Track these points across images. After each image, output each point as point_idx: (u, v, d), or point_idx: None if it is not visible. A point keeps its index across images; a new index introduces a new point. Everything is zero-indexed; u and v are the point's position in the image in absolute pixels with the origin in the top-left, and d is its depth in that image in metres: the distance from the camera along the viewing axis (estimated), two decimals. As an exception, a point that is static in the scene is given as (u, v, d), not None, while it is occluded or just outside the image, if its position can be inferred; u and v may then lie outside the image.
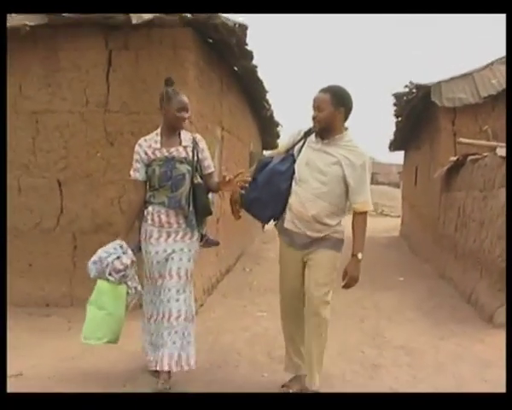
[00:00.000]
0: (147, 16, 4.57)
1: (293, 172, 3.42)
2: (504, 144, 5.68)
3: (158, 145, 3.67)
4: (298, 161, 3.43)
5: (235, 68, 6.79)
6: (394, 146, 14.62)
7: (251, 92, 8.35)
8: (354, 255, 3.31)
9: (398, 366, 3.96)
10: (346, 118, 3.38)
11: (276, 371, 3.75)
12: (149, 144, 3.68)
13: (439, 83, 8.06)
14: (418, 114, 9.42)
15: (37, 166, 5.22)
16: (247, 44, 5.67)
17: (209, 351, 4.14)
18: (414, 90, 8.52)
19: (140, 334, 3.72)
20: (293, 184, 3.40)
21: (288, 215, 3.41)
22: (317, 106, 3.32)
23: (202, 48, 5.43)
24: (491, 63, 8.40)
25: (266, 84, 8.13)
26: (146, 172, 3.66)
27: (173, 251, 3.57)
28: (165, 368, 3.40)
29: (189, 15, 4.66)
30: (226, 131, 7.15)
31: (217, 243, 3.98)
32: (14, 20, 4.83)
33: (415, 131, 11.01)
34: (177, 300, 3.50)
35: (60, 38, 5.12)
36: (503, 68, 8.21)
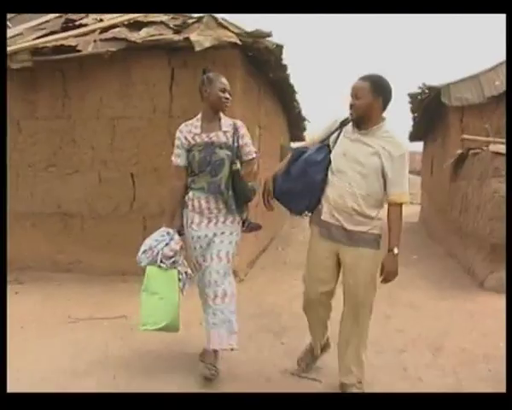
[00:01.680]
0: (206, 42, 5.72)
1: (329, 163, 3.34)
2: (499, 140, 6.77)
3: (198, 130, 3.68)
4: (334, 152, 3.34)
5: (271, 76, 7.94)
6: (413, 137, 15.57)
7: (283, 95, 9.51)
8: (391, 250, 3.20)
9: (404, 316, 5.06)
10: (384, 108, 3.27)
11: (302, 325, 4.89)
12: (190, 130, 3.71)
13: (448, 85, 9.10)
14: (431, 111, 10.45)
15: (114, 162, 6.40)
16: (282, 59, 6.82)
17: (258, 306, 5.28)
18: (426, 91, 9.59)
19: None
20: (330, 175, 3.32)
21: (325, 207, 3.32)
22: (355, 94, 3.22)
23: (246, 64, 6.58)
24: (496, 66, 9.38)
25: (293, 79, 9.14)
26: (187, 158, 3.68)
27: (214, 235, 3.60)
28: (214, 346, 3.53)
29: (238, 42, 5.80)
30: (263, 130, 8.32)
31: (259, 227, 3.95)
32: (97, 46, 6.06)
33: (430, 125, 12.03)
34: (218, 282, 3.54)
35: (132, 58, 6.26)
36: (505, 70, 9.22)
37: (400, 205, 3.24)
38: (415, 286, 6.41)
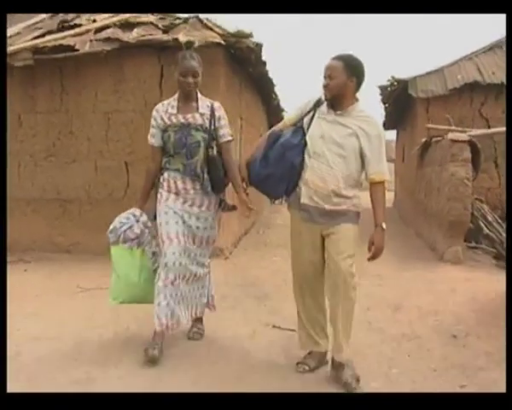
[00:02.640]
0: (194, 43, 6.32)
1: (305, 145, 3.30)
2: (458, 129, 7.51)
3: (174, 111, 3.62)
4: (310, 134, 3.31)
5: (251, 71, 8.57)
6: (387, 126, 16.33)
7: (262, 88, 10.16)
8: (378, 226, 3.18)
9: (371, 284, 5.74)
10: (357, 89, 3.27)
11: (288, 286, 5.51)
12: (166, 109, 3.65)
13: (414, 77, 9.83)
14: (400, 102, 11.17)
15: (109, 152, 6.97)
16: (261, 57, 7.46)
17: (243, 278, 5.95)
18: (395, 83, 10.32)
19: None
20: (307, 158, 3.29)
21: (304, 190, 3.29)
22: (329, 74, 3.21)
23: (229, 61, 7.20)
24: (458, 60, 10.13)
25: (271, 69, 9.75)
26: (162, 138, 3.63)
27: (189, 217, 3.60)
28: (198, 315, 3.87)
29: (222, 42, 6.42)
30: (244, 121, 8.95)
31: (234, 208, 3.89)
32: (93, 46, 6.63)
33: (400, 115, 12.78)
34: (198, 266, 3.71)
35: (124, 56, 6.81)
36: (467, 64, 9.98)
37: (382, 183, 3.24)
38: (383, 260, 6.95)
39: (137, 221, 3.60)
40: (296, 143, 3.31)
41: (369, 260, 3.23)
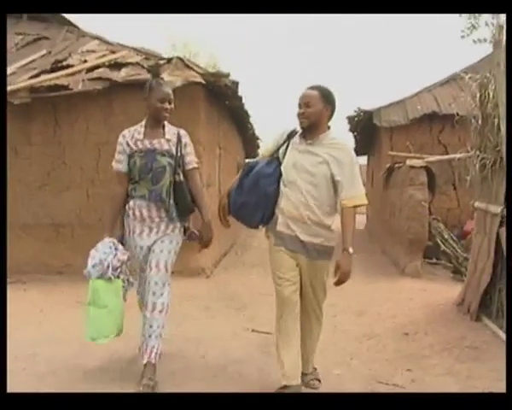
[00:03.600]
0: (177, 82, 7.01)
1: (280, 175, 3.37)
2: (416, 156, 8.30)
3: (141, 136, 3.62)
4: (284, 164, 3.38)
5: (228, 103, 9.31)
6: (358, 152, 17.21)
7: (239, 119, 10.91)
8: (345, 250, 3.20)
9: (337, 295, 6.35)
10: (330, 117, 3.38)
11: (263, 297, 5.94)
12: (132, 135, 3.65)
13: (379, 108, 10.68)
14: (367, 130, 12.02)
15: (99, 181, 7.57)
16: (237, 92, 8.20)
17: (223, 293, 6.58)
18: (361, 114, 11.17)
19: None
20: (282, 186, 3.36)
21: (280, 218, 3.35)
22: (306, 102, 3.30)
23: (209, 97, 7.91)
24: (418, 92, 11.03)
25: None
26: (128, 164, 3.62)
27: (154, 242, 3.59)
28: (149, 359, 3.48)
29: (202, 81, 7.14)
30: (222, 149, 9.67)
31: (200, 238, 3.78)
32: (85, 85, 7.29)
33: (369, 142, 13.64)
34: (154, 293, 3.53)
35: (114, 93, 7.44)
36: (427, 96, 10.87)
37: (352, 208, 3.26)
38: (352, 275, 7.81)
39: (117, 249, 3.55)
40: (270, 173, 3.39)
41: (335, 284, 3.22)
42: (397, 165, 8.92)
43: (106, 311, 3.47)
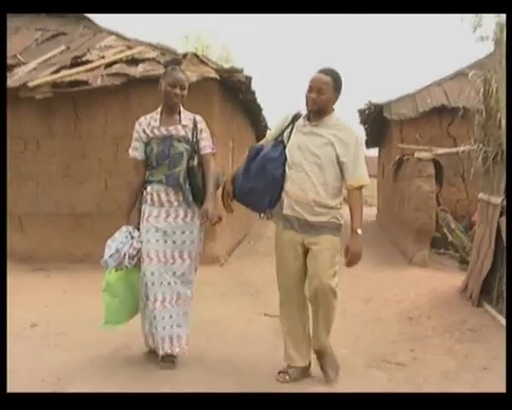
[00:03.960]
0: (192, 77, 7.27)
1: (286, 158, 3.37)
2: (424, 148, 8.52)
3: (157, 123, 3.66)
4: (289, 146, 3.38)
5: (241, 97, 9.57)
6: (369, 144, 17.40)
7: (251, 113, 11.17)
8: (354, 231, 3.23)
9: (347, 282, 6.61)
10: (336, 101, 3.40)
11: (276, 285, 6.42)
12: (149, 122, 3.70)
13: (389, 102, 10.90)
14: (377, 123, 12.23)
15: (117, 172, 7.86)
16: (250, 87, 8.46)
17: (237, 280, 6.87)
18: (372, 107, 11.38)
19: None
20: (287, 169, 3.36)
21: (286, 201, 3.35)
22: (319, 88, 3.27)
23: (223, 91, 8.18)
24: (428, 85, 11.21)
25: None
26: (145, 151, 3.66)
27: (173, 232, 3.58)
28: (169, 351, 3.56)
29: (217, 77, 7.39)
30: (235, 142, 9.94)
31: (220, 219, 3.70)
32: (104, 80, 7.58)
33: (379, 135, 13.84)
34: (182, 283, 3.61)
35: (130, 88, 7.73)
36: (436, 89, 11.05)
37: (359, 188, 3.32)
38: (359, 264, 8.06)
39: (133, 237, 3.60)
40: (276, 156, 3.39)
41: (346, 265, 3.30)
42: (406, 157, 9.14)
43: (117, 300, 3.60)
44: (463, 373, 3.65)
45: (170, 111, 3.70)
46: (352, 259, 3.27)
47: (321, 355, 3.52)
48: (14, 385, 3.16)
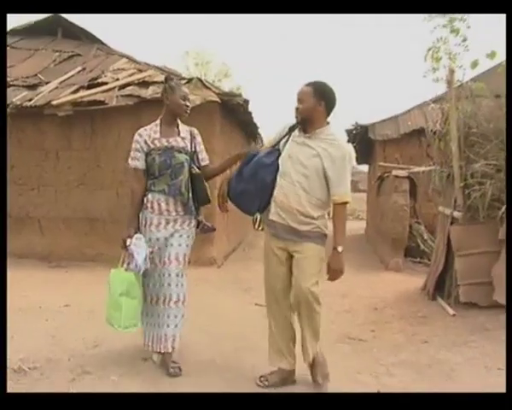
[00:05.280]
0: (197, 101, 8.29)
1: (279, 166, 3.47)
2: (401, 166, 9.53)
3: (157, 135, 3.81)
4: (282, 155, 3.48)
5: (240, 118, 10.60)
6: (359, 160, 18.42)
7: (248, 130, 12.21)
8: (335, 248, 3.35)
9: (327, 283, 7.70)
10: (328, 113, 3.45)
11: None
12: (149, 134, 3.84)
13: (373, 123, 11.97)
14: (364, 142, 13.27)
15: (127, 182, 8.89)
16: (248, 109, 9.49)
17: (233, 279, 7.79)
18: (358, 128, 12.44)
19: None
20: (278, 177, 3.44)
21: (272, 207, 3.46)
22: (300, 98, 3.43)
23: (223, 111, 9.19)
24: (409, 109, 12.26)
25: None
26: (145, 161, 3.80)
27: (171, 235, 3.76)
28: (169, 350, 3.78)
29: (218, 100, 8.41)
30: (233, 157, 10.94)
31: (213, 229, 4.12)
32: (119, 100, 8.59)
33: (366, 153, 14.88)
34: (177, 285, 3.76)
35: (142, 107, 8.69)
36: (417, 113, 12.09)
37: (343, 204, 3.40)
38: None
39: (146, 243, 3.75)
40: (269, 163, 3.50)
41: (328, 280, 3.49)
42: (386, 174, 10.16)
43: (137, 301, 3.74)
44: (409, 345, 4.67)
45: (170, 123, 3.90)
46: (332, 275, 3.45)
47: (313, 366, 3.60)
48: (62, 346, 4.17)
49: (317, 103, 3.41)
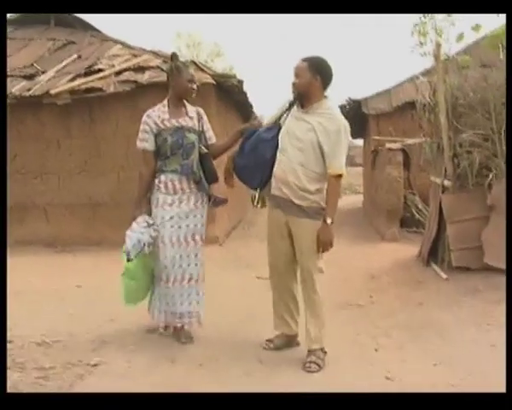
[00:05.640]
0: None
1: (278, 142, 3.51)
2: (394, 139, 9.76)
3: (166, 116, 3.85)
4: (281, 131, 3.53)
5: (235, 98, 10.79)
6: (354, 135, 18.62)
7: (244, 110, 12.40)
8: (324, 221, 3.40)
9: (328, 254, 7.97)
10: (324, 87, 3.47)
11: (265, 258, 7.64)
12: (158, 115, 3.87)
13: (366, 98, 12.12)
14: (358, 117, 13.45)
15: (128, 166, 9.02)
16: (243, 89, 9.67)
17: (234, 256, 8.07)
18: (351, 103, 12.62)
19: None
20: (278, 152, 3.49)
21: (273, 182, 3.51)
22: (296, 73, 3.44)
23: (218, 93, 9.37)
24: (402, 82, 12.41)
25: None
26: (155, 142, 3.82)
27: (186, 216, 3.84)
28: (186, 326, 4.00)
29: (213, 82, 8.59)
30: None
31: (225, 201, 4.18)
32: (116, 87, 8.75)
33: (360, 127, 15.06)
34: (196, 264, 3.92)
35: (138, 93, 8.88)
36: (409, 86, 12.25)
37: (337, 177, 3.43)
38: (337, 242, 9.29)
39: (149, 226, 3.82)
40: (269, 138, 3.56)
41: (317, 252, 3.54)
42: (380, 148, 10.38)
43: (134, 283, 3.93)
44: (404, 307, 4.97)
45: (177, 104, 3.94)
46: (322, 247, 3.52)
47: (309, 354, 3.63)
48: (80, 321, 4.43)
49: (312, 78, 3.43)
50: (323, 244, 3.50)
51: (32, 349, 3.87)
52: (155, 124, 3.85)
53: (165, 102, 3.98)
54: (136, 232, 3.78)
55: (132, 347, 4.01)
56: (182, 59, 3.96)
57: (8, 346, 3.69)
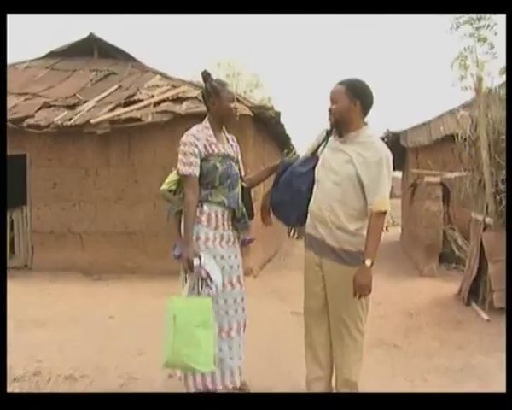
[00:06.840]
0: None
1: (314, 175, 3.25)
2: (433, 172, 9.56)
3: (214, 140, 3.34)
4: (318, 163, 3.26)
5: (272, 129, 10.80)
6: (394, 167, 18.40)
7: (280, 141, 12.40)
8: (363, 261, 3.01)
9: None
10: (364, 113, 3.14)
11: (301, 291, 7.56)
12: (206, 137, 3.33)
13: (405, 131, 12.00)
14: (396, 149, 13.28)
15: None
16: (280, 121, 9.67)
17: (269, 288, 7.96)
18: (390, 135, 12.48)
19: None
20: (314, 186, 3.23)
21: (308, 219, 3.26)
22: (332, 98, 3.14)
23: (255, 123, 9.40)
24: (441, 115, 12.25)
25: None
26: (201, 168, 3.28)
27: (229, 257, 3.39)
28: (237, 384, 3.41)
29: (251, 113, 8.62)
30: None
31: (252, 241, 3.75)
32: (154, 117, 8.87)
33: (399, 160, 14.88)
34: (243, 309, 3.46)
35: (176, 123, 8.99)
36: (449, 119, 12.07)
37: (379, 214, 3.04)
38: (376, 276, 9.11)
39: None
40: (304, 172, 3.29)
41: (354, 296, 3.08)
42: (419, 181, 10.19)
43: (212, 331, 3.13)
44: (443, 350, 4.75)
45: (219, 128, 3.46)
46: (358, 291, 3.07)
47: (341, 384, 3.38)
48: (110, 357, 4.41)
49: (351, 103, 3.11)
50: (360, 288, 3.05)
51: (58, 383, 3.82)
52: (204, 147, 3.32)
53: (207, 123, 3.43)
54: (216, 267, 3.24)
55: (160, 382, 3.93)
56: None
57: (35, 378, 3.68)
